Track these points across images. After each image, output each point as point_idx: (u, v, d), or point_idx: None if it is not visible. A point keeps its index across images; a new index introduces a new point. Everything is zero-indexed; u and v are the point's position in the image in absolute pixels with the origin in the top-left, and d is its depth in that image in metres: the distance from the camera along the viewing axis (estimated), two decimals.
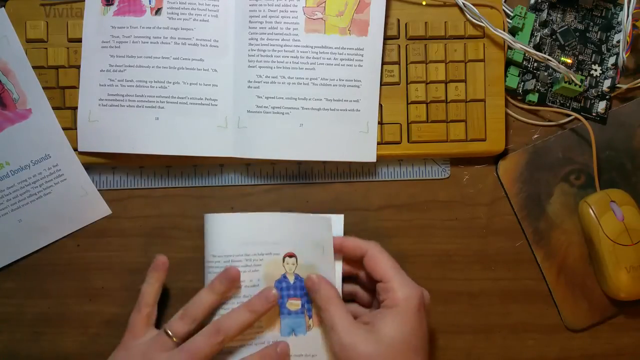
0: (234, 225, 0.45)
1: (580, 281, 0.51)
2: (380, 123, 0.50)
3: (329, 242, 0.46)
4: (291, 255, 0.45)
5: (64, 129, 0.50)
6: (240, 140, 0.49)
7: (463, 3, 0.50)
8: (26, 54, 0.49)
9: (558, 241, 0.51)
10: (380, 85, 0.50)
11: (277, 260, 0.45)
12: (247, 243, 0.45)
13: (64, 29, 0.50)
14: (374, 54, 0.49)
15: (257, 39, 0.49)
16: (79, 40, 0.49)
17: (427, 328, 0.41)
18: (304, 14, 0.49)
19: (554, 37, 0.53)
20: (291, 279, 0.45)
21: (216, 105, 0.49)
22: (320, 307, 0.42)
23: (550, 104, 0.53)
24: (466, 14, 0.51)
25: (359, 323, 0.41)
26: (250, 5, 0.49)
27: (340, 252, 0.46)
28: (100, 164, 0.50)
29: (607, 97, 0.52)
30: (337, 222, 0.47)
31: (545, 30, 0.53)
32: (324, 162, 0.52)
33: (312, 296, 0.44)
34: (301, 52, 0.49)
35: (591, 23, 0.53)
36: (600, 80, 0.53)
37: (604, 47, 0.53)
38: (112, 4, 0.49)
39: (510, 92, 0.52)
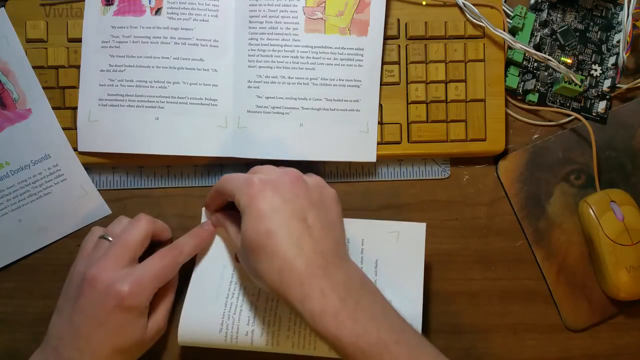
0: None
1: (580, 281, 0.51)
2: (380, 123, 0.50)
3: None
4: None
5: (64, 129, 0.50)
6: (240, 140, 0.49)
7: (463, 3, 0.50)
8: (26, 53, 0.49)
9: (558, 241, 0.51)
10: (380, 85, 0.50)
11: (239, 268, 0.46)
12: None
13: (64, 29, 0.50)
14: (374, 54, 0.49)
15: (257, 39, 0.49)
16: (79, 40, 0.49)
17: (297, 200, 0.40)
18: (304, 13, 0.49)
19: (554, 37, 0.53)
20: None
21: (216, 105, 0.49)
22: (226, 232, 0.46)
23: (550, 103, 0.53)
24: (466, 14, 0.51)
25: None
26: (250, 5, 0.49)
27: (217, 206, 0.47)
28: (100, 164, 0.50)
29: (607, 97, 0.52)
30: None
31: (546, 30, 0.53)
32: (324, 162, 0.52)
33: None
34: (301, 52, 0.49)
35: (591, 23, 0.53)
36: (601, 80, 0.53)
37: (604, 47, 0.53)
38: (112, 4, 0.49)
39: (510, 92, 0.52)
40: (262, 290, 0.45)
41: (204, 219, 0.49)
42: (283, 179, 0.41)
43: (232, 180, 0.43)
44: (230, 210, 0.46)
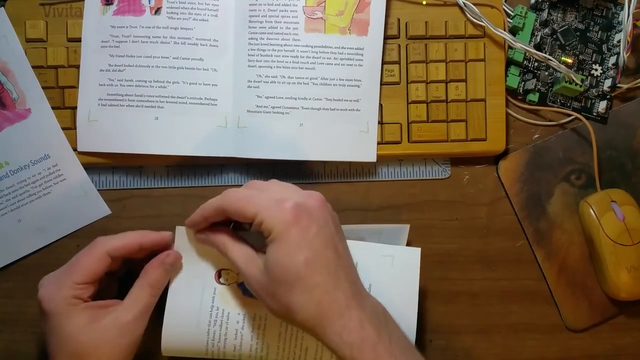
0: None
1: (581, 281, 0.51)
2: (381, 123, 0.50)
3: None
4: (219, 275, 0.45)
5: (63, 128, 0.49)
6: (240, 140, 0.49)
7: (463, 2, 0.50)
8: (26, 53, 0.49)
9: (558, 241, 0.51)
10: (381, 84, 0.50)
11: (220, 291, 0.44)
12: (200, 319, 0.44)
13: (64, 29, 0.50)
14: (374, 53, 0.49)
15: (257, 39, 0.49)
16: (79, 40, 0.49)
17: (328, 228, 0.39)
18: (304, 13, 0.49)
19: (554, 36, 0.53)
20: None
21: (216, 105, 0.49)
22: (221, 253, 0.42)
23: (550, 103, 0.52)
24: (466, 13, 0.50)
25: (255, 255, 0.40)
26: (250, 4, 0.49)
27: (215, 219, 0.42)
28: (99, 164, 0.50)
29: (608, 96, 0.52)
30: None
31: (546, 30, 0.53)
32: (324, 162, 0.52)
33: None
34: (301, 51, 0.49)
35: (592, 23, 0.53)
36: (601, 80, 0.53)
37: (604, 47, 0.53)
38: (111, 4, 0.49)
39: (510, 91, 0.52)
40: (246, 317, 0.44)
41: (179, 236, 0.45)
42: (312, 203, 0.39)
43: (255, 202, 0.39)
44: (216, 227, 0.43)
